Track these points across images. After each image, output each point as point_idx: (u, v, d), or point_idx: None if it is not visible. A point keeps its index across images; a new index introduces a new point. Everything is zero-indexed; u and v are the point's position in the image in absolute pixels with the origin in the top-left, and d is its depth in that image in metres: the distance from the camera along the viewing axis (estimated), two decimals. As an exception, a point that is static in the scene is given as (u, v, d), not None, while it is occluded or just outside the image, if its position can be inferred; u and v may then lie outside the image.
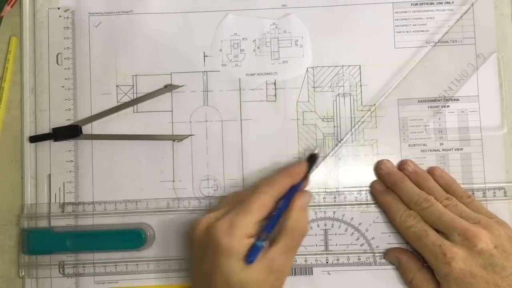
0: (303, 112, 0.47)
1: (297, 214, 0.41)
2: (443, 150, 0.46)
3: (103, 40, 0.47)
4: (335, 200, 0.46)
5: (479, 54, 0.47)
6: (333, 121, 0.47)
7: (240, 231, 0.38)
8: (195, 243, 0.40)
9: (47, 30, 0.47)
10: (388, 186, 0.45)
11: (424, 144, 0.46)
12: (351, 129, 0.46)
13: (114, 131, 0.47)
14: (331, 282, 0.45)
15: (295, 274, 0.46)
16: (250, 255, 0.38)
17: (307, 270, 0.46)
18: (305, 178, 0.43)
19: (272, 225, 0.40)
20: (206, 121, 0.47)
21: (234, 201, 0.42)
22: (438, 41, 0.47)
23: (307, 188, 0.44)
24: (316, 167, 0.45)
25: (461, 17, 0.47)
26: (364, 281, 0.45)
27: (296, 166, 0.43)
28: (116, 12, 0.48)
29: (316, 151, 0.45)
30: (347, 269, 0.45)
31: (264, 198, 0.40)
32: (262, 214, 0.40)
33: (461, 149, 0.46)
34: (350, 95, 0.47)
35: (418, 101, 0.46)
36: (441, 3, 0.47)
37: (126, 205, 0.46)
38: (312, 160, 0.44)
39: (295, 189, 0.42)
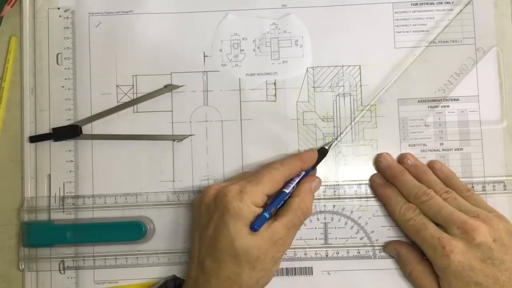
0: (303, 112, 0.47)
1: (303, 194, 0.42)
2: (443, 150, 0.46)
3: (103, 40, 0.47)
4: (334, 194, 0.46)
5: (478, 48, 0.47)
6: (333, 121, 0.47)
7: (249, 197, 0.40)
8: (202, 209, 0.41)
9: (47, 30, 0.48)
10: (387, 179, 0.45)
11: (424, 144, 0.46)
12: (350, 123, 0.46)
13: (114, 131, 0.47)
14: (331, 282, 0.45)
15: (295, 274, 0.46)
16: (256, 223, 0.39)
17: (307, 270, 0.46)
18: (314, 167, 0.45)
19: (280, 202, 0.41)
20: (206, 121, 0.47)
21: (245, 175, 0.43)
22: (438, 41, 0.47)
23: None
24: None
25: (461, 16, 0.47)
26: (364, 282, 0.45)
27: (307, 152, 0.45)
28: (116, 12, 0.48)
29: (326, 146, 0.46)
30: (347, 269, 0.45)
31: (275, 174, 0.42)
32: (271, 188, 0.41)
33: (461, 149, 0.46)
34: (350, 95, 0.47)
35: (418, 101, 0.47)
36: (441, 3, 0.47)
37: (126, 199, 0.46)
38: (321, 153, 0.45)
39: (305, 175, 0.44)
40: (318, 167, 0.46)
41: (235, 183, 0.41)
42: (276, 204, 0.41)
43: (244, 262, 0.39)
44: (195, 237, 0.42)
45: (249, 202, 0.40)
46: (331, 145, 0.46)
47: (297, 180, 0.43)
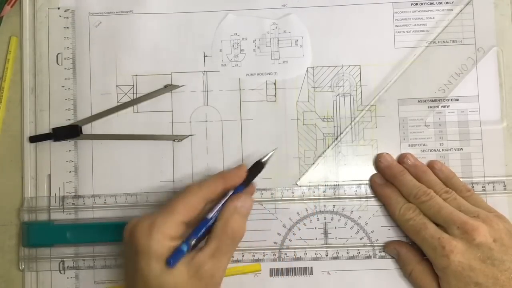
0: (303, 112, 0.47)
1: (228, 216, 0.38)
2: (443, 150, 0.46)
3: (103, 40, 0.47)
4: (334, 194, 0.46)
5: (478, 48, 0.47)
6: (333, 121, 0.47)
7: (160, 231, 0.36)
8: (123, 247, 0.39)
9: (47, 30, 0.48)
10: (387, 179, 0.45)
11: (424, 144, 0.46)
12: (350, 123, 0.46)
13: (114, 131, 0.47)
14: (331, 282, 0.45)
15: (295, 274, 0.46)
16: (171, 259, 0.35)
17: (307, 270, 0.46)
18: (247, 184, 0.41)
19: (201, 229, 0.38)
20: (206, 121, 0.47)
21: (163, 203, 0.40)
22: (438, 41, 0.47)
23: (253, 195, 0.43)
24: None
25: (461, 17, 0.47)
26: (364, 282, 0.45)
27: (232, 169, 0.42)
28: (116, 12, 0.48)
29: (263, 159, 0.43)
30: (347, 269, 0.45)
31: (190, 198, 0.38)
32: (187, 215, 0.38)
33: (461, 149, 0.46)
34: (350, 95, 0.47)
35: (418, 101, 0.47)
36: (441, 3, 0.47)
37: (126, 198, 0.46)
38: (257, 167, 0.43)
39: (234, 193, 0.40)
40: (312, 168, 0.46)
41: (148, 216, 0.37)
42: (196, 233, 0.37)
43: None
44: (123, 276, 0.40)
45: (161, 236, 0.36)
46: (269, 158, 0.43)
47: (222, 201, 0.39)
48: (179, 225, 0.37)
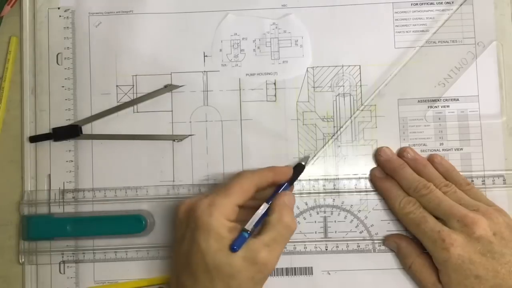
0: (303, 112, 0.47)
1: (280, 209, 0.40)
2: (443, 150, 0.46)
3: (103, 40, 0.47)
4: (334, 188, 0.46)
5: (478, 42, 0.47)
6: (333, 121, 0.47)
7: (219, 211, 0.39)
8: (177, 225, 0.41)
9: (47, 30, 0.48)
10: (387, 173, 0.45)
11: (424, 144, 0.46)
12: (350, 117, 0.46)
13: (114, 131, 0.47)
14: (331, 282, 0.45)
15: (295, 274, 0.46)
16: (235, 244, 0.38)
17: (307, 270, 0.46)
18: (291, 183, 0.44)
19: (261, 219, 0.40)
20: (206, 121, 0.47)
21: (217, 186, 0.42)
22: (438, 41, 0.47)
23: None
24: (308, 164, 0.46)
25: (461, 16, 0.47)
26: (364, 282, 0.45)
27: (281, 167, 0.44)
28: (116, 12, 0.48)
29: (303, 162, 0.45)
30: (347, 269, 0.45)
31: (244, 182, 0.41)
32: (241, 198, 0.40)
33: (461, 148, 0.46)
34: (350, 95, 0.47)
35: (418, 101, 0.47)
36: (441, 3, 0.47)
37: (126, 192, 0.46)
38: (298, 169, 0.44)
39: (282, 189, 0.43)
40: (318, 162, 0.46)
41: (205, 196, 0.40)
42: (258, 223, 0.40)
43: (217, 279, 0.38)
44: (173, 253, 0.42)
45: (218, 215, 0.38)
46: (308, 161, 0.45)
47: (275, 193, 0.42)
48: (234, 207, 0.40)
